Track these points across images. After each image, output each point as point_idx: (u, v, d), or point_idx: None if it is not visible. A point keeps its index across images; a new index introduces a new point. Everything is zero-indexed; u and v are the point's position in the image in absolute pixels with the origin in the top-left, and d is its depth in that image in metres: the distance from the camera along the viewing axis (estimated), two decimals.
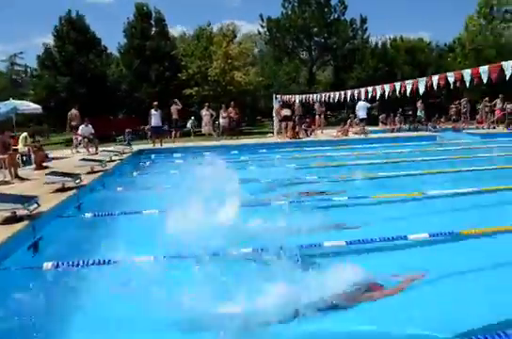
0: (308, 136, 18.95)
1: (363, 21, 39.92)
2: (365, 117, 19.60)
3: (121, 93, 33.66)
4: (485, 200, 7.38)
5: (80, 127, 15.65)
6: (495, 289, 3.95)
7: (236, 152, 15.59)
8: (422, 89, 12.72)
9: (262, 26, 39.27)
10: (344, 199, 7.29)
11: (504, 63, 9.52)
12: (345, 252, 4.85)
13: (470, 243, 5.13)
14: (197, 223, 5.05)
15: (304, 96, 20.03)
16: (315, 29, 39.68)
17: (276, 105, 19.38)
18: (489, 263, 4.49)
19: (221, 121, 20.11)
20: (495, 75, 9.70)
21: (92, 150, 15.03)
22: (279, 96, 19.87)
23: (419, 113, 24.46)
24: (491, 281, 4.12)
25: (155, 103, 16.95)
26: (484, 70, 10.12)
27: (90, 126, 15.71)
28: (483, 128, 21.18)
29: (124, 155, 13.61)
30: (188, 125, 25.99)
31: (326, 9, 38.82)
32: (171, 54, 32.57)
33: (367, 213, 6.82)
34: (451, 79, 11.84)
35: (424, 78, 13.15)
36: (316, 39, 40.20)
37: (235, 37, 33.42)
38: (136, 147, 16.44)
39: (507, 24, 35.14)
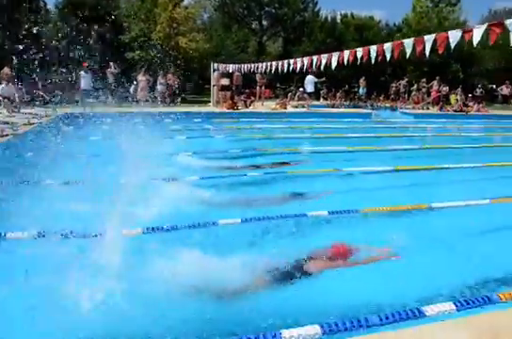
0: (247, 107, 18.67)
1: None
2: (312, 91, 19.59)
3: (58, 53, 31.60)
4: (409, 177, 7.58)
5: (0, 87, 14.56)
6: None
7: (170, 120, 15.07)
8: (359, 55, 12.19)
9: None
10: (257, 174, 7.17)
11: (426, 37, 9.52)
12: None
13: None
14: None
15: (247, 65, 19.54)
16: None
17: (215, 74, 18.84)
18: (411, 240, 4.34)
19: (159, 87, 19.39)
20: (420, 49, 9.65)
21: (13, 111, 14.04)
22: (217, 64, 19.26)
23: (361, 90, 24.72)
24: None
25: (85, 64, 15.97)
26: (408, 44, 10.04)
27: (13, 86, 14.64)
28: (417, 108, 21.73)
29: (45, 119, 12.80)
30: (131, 91, 24.88)
31: None
32: (113, 14, 30.75)
33: (288, 187, 6.73)
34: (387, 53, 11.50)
35: (361, 48, 12.77)
36: (267, 8, 39.42)
37: (182, 0, 31.95)
38: (65, 111, 15.50)
39: (452, 7, 35.76)
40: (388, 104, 22.60)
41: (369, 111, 19.36)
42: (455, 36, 8.90)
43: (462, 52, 33.40)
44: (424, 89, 23.11)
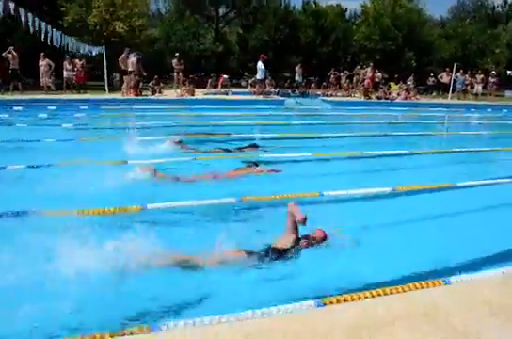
0: (154, 94, 17.63)
1: None
2: (262, 78, 18.69)
3: None
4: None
5: None
6: None
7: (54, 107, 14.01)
8: None
9: None
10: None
11: None
12: None
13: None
14: None
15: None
16: None
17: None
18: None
19: (65, 73, 18.25)
20: None
21: None
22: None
23: (297, 78, 23.70)
24: None
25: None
26: None
27: None
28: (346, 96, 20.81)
29: None
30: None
31: None
32: None
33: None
34: None
35: None
36: None
37: None
38: None
39: None
40: (319, 92, 21.63)
41: (283, 99, 18.42)
42: None
43: (418, 40, 32.60)
44: (357, 77, 22.13)
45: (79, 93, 18.14)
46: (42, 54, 17.45)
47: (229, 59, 37.38)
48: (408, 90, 20.64)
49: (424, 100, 20.76)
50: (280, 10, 34.84)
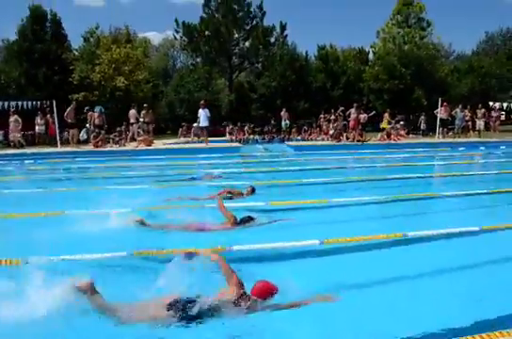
0: (117, 145, 17.58)
1: (283, 27, 38.94)
2: (206, 125, 18.33)
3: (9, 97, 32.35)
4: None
5: None
6: None
7: None
8: None
9: (176, 31, 38.27)
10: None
11: None
12: None
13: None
14: None
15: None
16: (235, 35, 38.73)
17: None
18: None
19: (37, 128, 18.76)
20: None
21: None
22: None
23: (283, 123, 23.01)
24: None
25: None
26: None
27: None
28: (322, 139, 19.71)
29: None
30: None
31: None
32: (62, 57, 31.26)
33: None
34: None
35: None
36: (238, 47, 39.07)
37: (129, 41, 32.11)
38: None
39: (420, 31, 33.65)
40: (299, 137, 20.72)
41: (238, 145, 17.68)
42: None
43: (428, 77, 31.14)
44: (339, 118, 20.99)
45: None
46: (12, 109, 17.95)
47: (241, 107, 37.52)
48: (393, 130, 19.26)
49: (407, 140, 19.20)
50: (286, 56, 34.79)
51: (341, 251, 5.01)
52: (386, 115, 22.28)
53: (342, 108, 21.43)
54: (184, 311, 3.15)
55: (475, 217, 6.66)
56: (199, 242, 4.92)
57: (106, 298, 3.21)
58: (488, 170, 11.94)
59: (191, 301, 3.20)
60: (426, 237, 5.33)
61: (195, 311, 3.14)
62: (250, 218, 5.80)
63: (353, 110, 20.73)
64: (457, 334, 2.91)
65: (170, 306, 3.17)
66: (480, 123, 21.50)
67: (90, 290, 3.20)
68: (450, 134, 21.63)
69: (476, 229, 5.50)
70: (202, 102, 18.10)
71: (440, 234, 5.35)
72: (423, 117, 25.62)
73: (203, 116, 17.77)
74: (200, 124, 18.45)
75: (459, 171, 11.24)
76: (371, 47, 35.43)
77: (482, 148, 17.79)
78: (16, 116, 18.04)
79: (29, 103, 17.75)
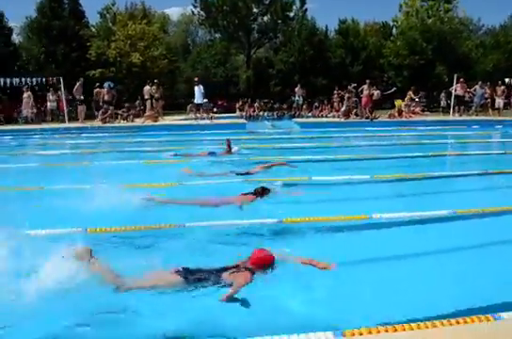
0: (126, 121, 17.72)
1: (303, 1, 37.90)
2: (201, 102, 18.25)
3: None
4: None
5: None
6: None
7: None
8: None
9: (194, 6, 37.73)
10: None
11: None
12: None
13: None
14: None
15: None
16: (254, 10, 37.97)
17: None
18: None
19: (48, 104, 19.03)
20: None
21: None
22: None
23: (296, 98, 22.68)
24: None
25: None
26: None
27: None
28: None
29: None
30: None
31: None
32: (79, 34, 31.35)
33: None
34: None
35: None
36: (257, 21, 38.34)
37: (145, 16, 31.84)
38: None
39: (447, 5, 32.14)
40: (310, 114, 20.42)
41: (244, 122, 17.53)
42: None
43: (451, 53, 29.99)
44: (350, 94, 20.51)
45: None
46: (25, 87, 18.23)
47: (259, 84, 37.06)
48: (407, 107, 18.74)
49: (422, 117, 18.66)
50: (304, 32, 33.94)
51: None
52: (410, 92, 21.54)
53: (354, 84, 20.94)
54: (193, 273, 3.30)
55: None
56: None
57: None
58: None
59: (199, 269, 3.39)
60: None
61: (203, 275, 3.31)
62: (266, 190, 5.80)
63: (365, 86, 20.20)
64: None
65: (178, 272, 3.32)
66: (499, 102, 20.68)
67: (89, 256, 3.28)
68: (470, 112, 20.93)
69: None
70: (196, 78, 17.99)
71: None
72: (443, 94, 24.82)
73: (198, 92, 17.67)
74: (195, 101, 18.42)
75: (472, 151, 11.05)
76: (393, 21, 34.20)
77: (498, 126, 17.19)
78: (29, 92, 18.31)
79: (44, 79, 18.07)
